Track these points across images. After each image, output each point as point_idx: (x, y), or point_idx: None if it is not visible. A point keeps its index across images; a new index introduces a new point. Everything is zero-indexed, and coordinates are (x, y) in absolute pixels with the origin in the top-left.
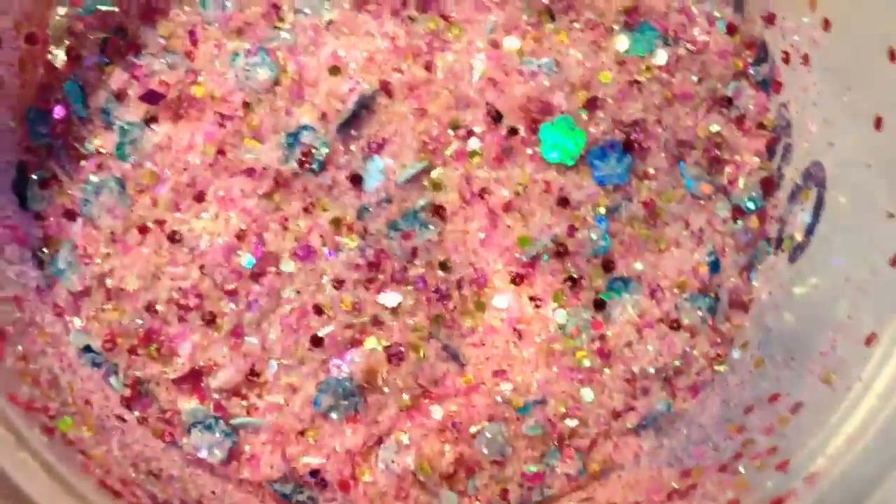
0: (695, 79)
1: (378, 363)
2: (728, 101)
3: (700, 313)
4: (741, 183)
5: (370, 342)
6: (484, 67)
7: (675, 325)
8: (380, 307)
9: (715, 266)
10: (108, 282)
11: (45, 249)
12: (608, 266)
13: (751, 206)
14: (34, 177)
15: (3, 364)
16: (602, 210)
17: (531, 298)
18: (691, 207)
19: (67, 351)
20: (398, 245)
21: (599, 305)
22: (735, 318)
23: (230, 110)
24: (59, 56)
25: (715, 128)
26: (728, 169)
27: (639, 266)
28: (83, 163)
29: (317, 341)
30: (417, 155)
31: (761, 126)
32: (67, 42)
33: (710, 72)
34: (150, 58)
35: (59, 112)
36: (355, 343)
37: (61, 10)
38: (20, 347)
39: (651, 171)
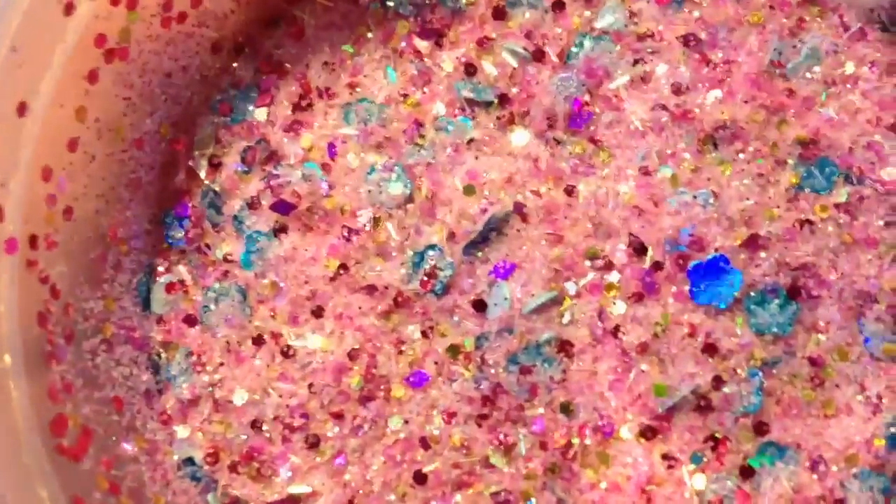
0: (881, 223)
1: None
2: None
3: (872, 495)
4: None
5: (478, 486)
6: (630, 194)
7: None
8: (491, 448)
9: (894, 440)
10: (217, 393)
11: (162, 354)
12: (761, 428)
13: None
14: (161, 280)
15: (77, 466)
16: (757, 363)
17: (664, 456)
18: (869, 369)
19: (165, 461)
20: (516, 381)
21: (747, 473)
22: None
23: (358, 225)
24: (202, 163)
25: None
26: None
27: (798, 432)
28: (210, 269)
29: (421, 478)
30: (547, 284)
31: None
32: (211, 149)
33: None
34: (288, 168)
35: (186, 211)
36: (462, 485)
37: (210, 119)
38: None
39: (821, 323)
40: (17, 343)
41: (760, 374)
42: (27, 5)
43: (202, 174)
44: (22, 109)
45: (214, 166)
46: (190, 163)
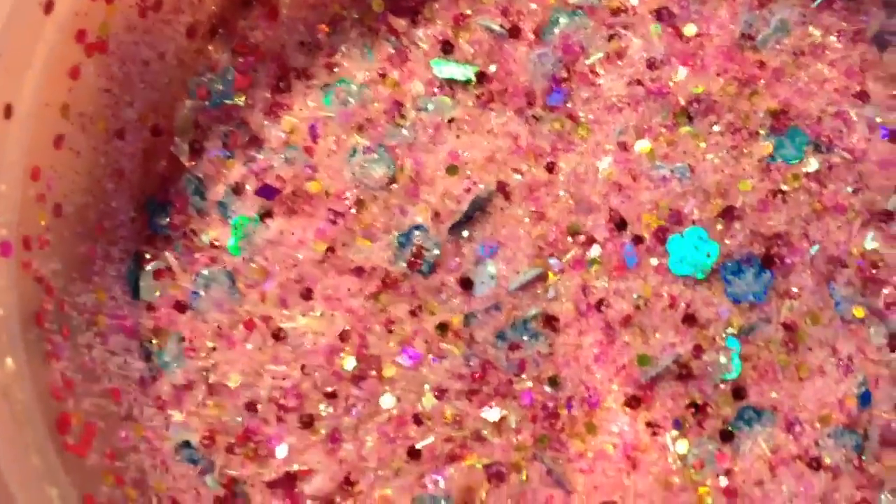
0: (849, 190)
1: (477, 482)
2: (888, 216)
3: (845, 451)
4: None
5: (470, 459)
6: (609, 170)
7: (815, 465)
8: (482, 421)
9: (865, 399)
10: (211, 377)
11: (153, 340)
12: (739, 393)
13: None
14: (148, 268)
15: (83, 462)
16: (734, 330)
17: (648, 424)
18: (840, 332)
19: (163, 447)
20: (504, 356)
21: (727, 437)
22: (887, 459)
23: (343, 207)
24: (183, 148)
25: (871, 244)
26: (886, 291)
27: (774, 395)
28: (197, 255)
29: (414, 453)
30: (532, 261)
31: None
32: (192, 135)
33: (867, 183)
34: (271, 152)
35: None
36: (455, 458)
37: (188, 103)
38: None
39: (794, 289)
40: (18, 345)
41: (738, 341)
42: (8, 8)
43: (184, 159)
44: (8, 112)
45: (196, 151)
46: (171, 148)
